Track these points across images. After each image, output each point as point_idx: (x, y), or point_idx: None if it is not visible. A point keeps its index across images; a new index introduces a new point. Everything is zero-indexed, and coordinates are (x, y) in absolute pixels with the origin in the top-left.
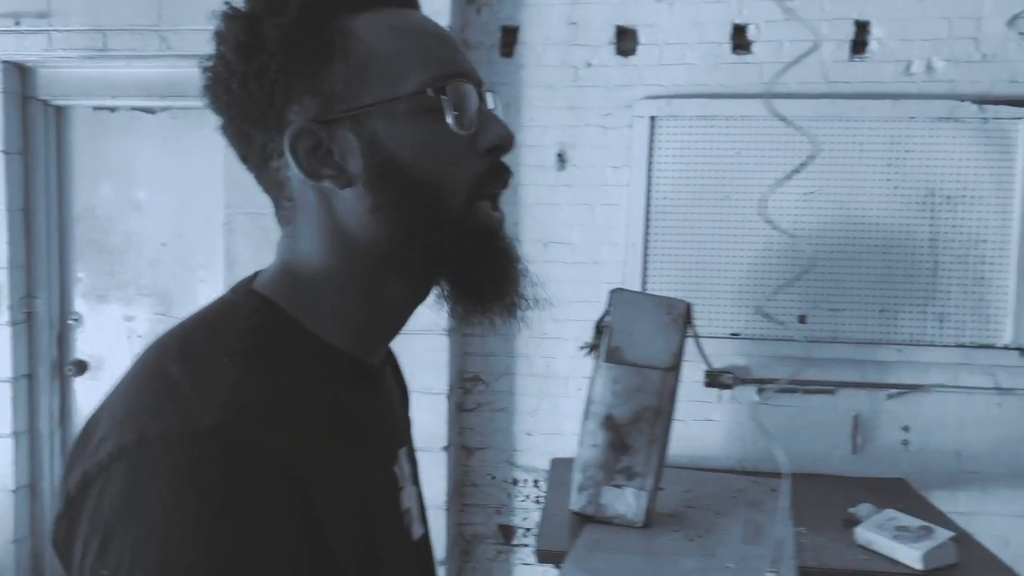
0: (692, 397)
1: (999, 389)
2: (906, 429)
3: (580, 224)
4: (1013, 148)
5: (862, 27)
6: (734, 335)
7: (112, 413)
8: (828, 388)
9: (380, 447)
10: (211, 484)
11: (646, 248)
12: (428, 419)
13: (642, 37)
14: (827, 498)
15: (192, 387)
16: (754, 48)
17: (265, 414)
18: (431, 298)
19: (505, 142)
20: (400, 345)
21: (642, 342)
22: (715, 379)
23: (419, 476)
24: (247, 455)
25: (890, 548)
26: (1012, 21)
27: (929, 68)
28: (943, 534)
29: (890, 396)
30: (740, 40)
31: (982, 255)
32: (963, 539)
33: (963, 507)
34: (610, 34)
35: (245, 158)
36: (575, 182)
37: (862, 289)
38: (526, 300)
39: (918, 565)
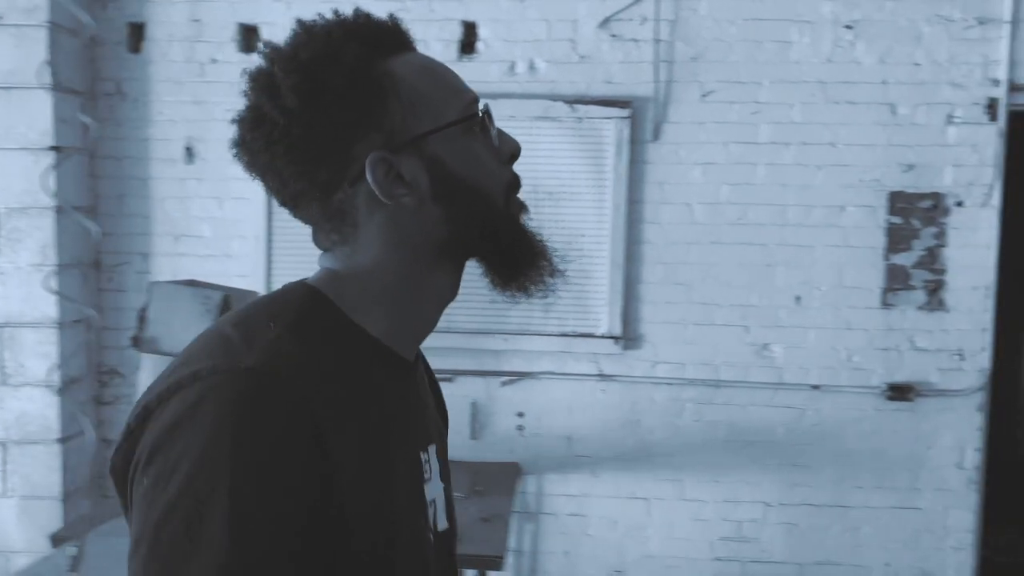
0: None
1: (601, 376)
2: (521, 415)
3: (210, 218)
4: (605, 147)
5: (470, 28)
6: None
7: (176, 361)
8: (446, 376)
9: (409, 433)
10: (245, 414)
11: (270, 241)
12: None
13: (264, 34)
14: None
15: (240, 339)
16: None
17: (298, 366)
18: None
19: (517, 151)
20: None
21: (179, 332)
22: None
23: (449, 477)
24: (278, 392)
25: None
26: (604, 23)
27: (532, 68)
28: None
29: (504, 383)
30: None
31: (581, 249)
32: (494, 521)
33: (575, 490)
34: (233, 31)
35: (296, 196)
36: (204, 176)
37: (474, 281)
38: (553, 271)
39: None
